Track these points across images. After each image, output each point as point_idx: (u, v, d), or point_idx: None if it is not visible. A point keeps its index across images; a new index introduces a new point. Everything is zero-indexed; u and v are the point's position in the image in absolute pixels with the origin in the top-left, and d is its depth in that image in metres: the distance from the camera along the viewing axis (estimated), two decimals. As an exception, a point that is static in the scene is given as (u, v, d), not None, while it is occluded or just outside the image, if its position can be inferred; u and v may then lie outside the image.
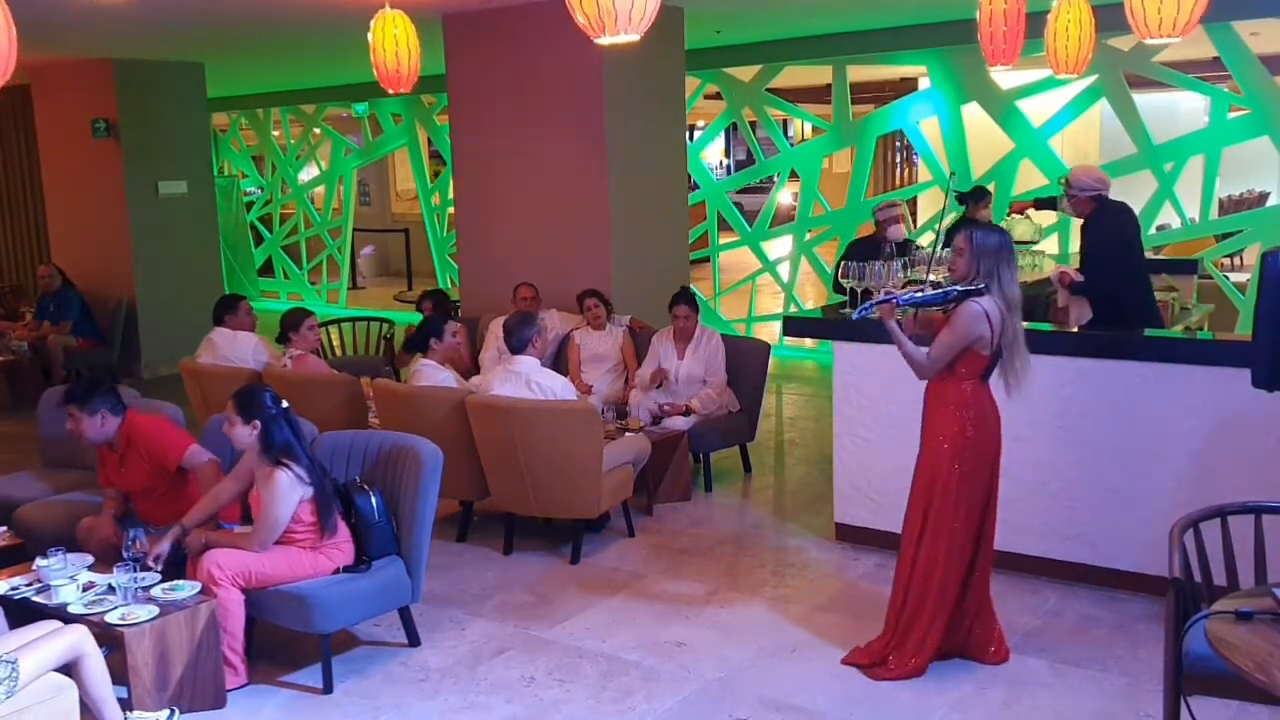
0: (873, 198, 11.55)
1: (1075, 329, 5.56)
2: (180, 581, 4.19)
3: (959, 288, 4.06)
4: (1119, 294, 5.81)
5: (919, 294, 4.22)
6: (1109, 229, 5.93)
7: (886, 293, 4.24)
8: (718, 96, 11.31)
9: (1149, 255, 7.16)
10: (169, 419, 5.17)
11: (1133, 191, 6.63)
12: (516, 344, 5.60)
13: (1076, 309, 6.01)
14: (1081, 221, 6.06)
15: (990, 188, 8.62)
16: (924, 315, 4.43)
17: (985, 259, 4.02)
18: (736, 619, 4.84)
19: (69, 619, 3.86)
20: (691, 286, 7.41)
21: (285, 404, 4.38)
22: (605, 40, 3.37)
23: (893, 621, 4.31)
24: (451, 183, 8.87)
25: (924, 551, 4.20)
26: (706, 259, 11.31)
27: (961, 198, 8.47)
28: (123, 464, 4.79)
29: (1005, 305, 4.01)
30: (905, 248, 6.68)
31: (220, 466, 4.73)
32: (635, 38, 3.36)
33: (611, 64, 7.32)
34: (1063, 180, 6.18)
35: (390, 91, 5.21)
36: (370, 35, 5.05)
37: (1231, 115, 8.66)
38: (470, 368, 7.17)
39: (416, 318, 7.39)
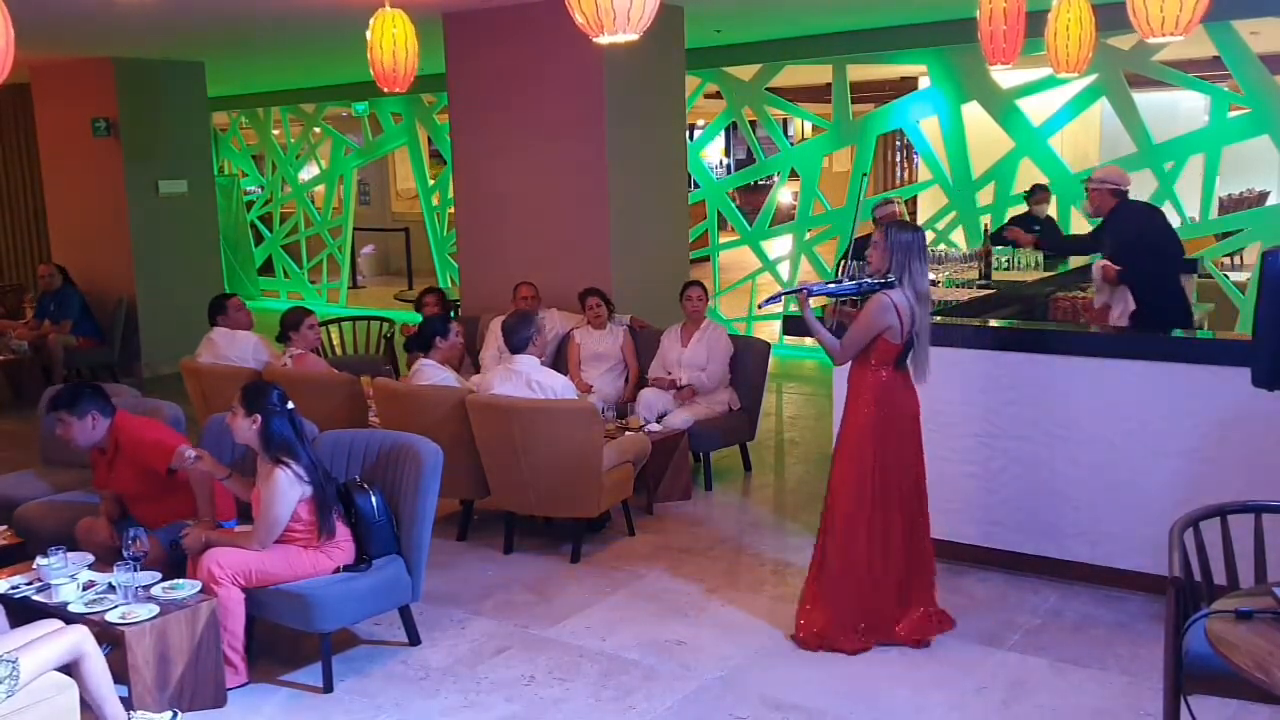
0: (872, 196, 11.55)
1: (1091, 328, 5.61)
2: (180, 580, 4.20)
3: (869, 280, 4.32)
4: (1149, 291, 5.92)
5: (833, 285, 4.46)
6: (1127, 229, 6.03)
7: (803, 285, 4.47)
8: (718, 96, 11.30)
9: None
10: (161, 420, 5.14)
11: (1133, 190, 6.64)
12: (516, 344, 5.60)
13: (1119, 304, 6.09)
14: (1100, 219, 6.17)
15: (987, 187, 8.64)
16: (842, 308, 4.71)
17: (898, 253, 4.26)
18: (736, 618, 4.84)
19: (69, 618, 3.87)
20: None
21: (291, 405, 4.37)
22: (604, 39, 3.38)
23: (812, 591, 4.49)
24: (451, 182, 8.86)
25: (843, 529, 4.37)
26: (706, 258, 11.31)
27: (1027, 198, 8.76)
28: (111, 468, 4.75)
29: (915, 297, 4.24)
30: None
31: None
32: (634, 37, 3.36)
33: (611, 63, 7.31)
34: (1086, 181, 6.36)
35: (386, 90, 5.21)
36: (369, 33, 5.04)
37: (1231, 114, 8.66)
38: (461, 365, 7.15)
39: (418, 317, 7.39)
